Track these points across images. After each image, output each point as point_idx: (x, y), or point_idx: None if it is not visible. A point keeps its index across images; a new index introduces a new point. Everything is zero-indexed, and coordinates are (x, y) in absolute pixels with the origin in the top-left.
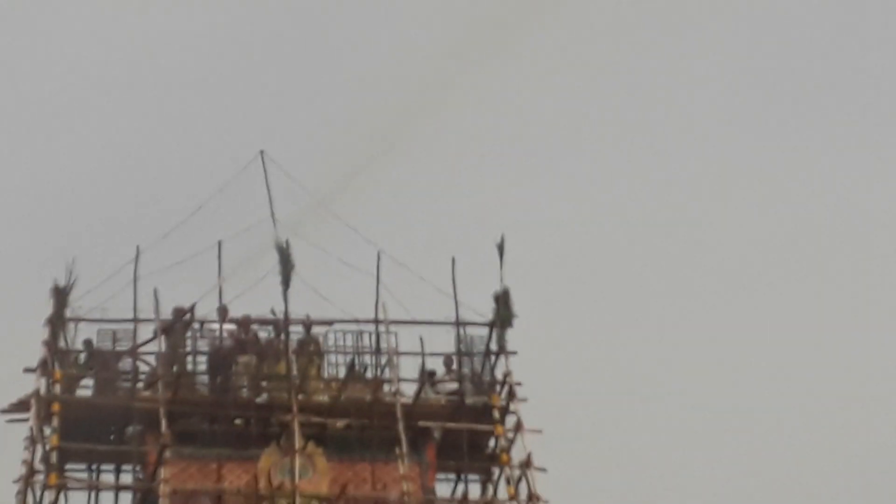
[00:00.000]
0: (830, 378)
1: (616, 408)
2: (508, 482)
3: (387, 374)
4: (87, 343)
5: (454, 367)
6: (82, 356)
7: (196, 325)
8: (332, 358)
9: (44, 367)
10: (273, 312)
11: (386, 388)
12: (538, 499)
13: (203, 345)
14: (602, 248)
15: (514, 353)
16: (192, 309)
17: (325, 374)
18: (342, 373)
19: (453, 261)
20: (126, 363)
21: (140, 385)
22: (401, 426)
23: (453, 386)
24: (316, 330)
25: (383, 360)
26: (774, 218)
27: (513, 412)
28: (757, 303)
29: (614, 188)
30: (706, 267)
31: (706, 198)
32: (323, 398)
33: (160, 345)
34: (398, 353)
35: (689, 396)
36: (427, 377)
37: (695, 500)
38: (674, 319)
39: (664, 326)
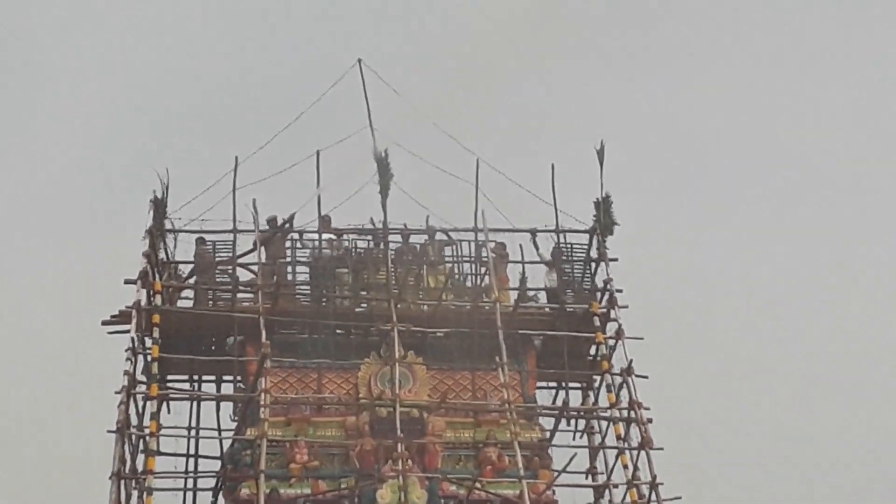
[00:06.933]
0: None
1: (717, 314)
2: (609, 389)
3: (486, 282)
4: (200, 240)
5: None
6: (182, 267)
7: (295, 236)
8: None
9: (144, 279)
10: (372, 222)
11: (485, 296)
12: (639, 406)
13: (303, 255)
14: (702, 152)
15: (615, 259)
16: (290, 219)
17: (425, 284)
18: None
19: (552, 167)
20: (226, 274)
21: (240, 296)
22: (501, 334)
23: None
24: (414, 239)
25: (482, 268)
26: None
27: (613, 319)
28: (858, 205)
29: (712, 94)
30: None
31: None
32: (423, 307)
33: (259, 255)
34: (505, 261)
35: (792, 300)
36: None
37: (797, 404)
38: (775, 223)
39: (763, 230)
